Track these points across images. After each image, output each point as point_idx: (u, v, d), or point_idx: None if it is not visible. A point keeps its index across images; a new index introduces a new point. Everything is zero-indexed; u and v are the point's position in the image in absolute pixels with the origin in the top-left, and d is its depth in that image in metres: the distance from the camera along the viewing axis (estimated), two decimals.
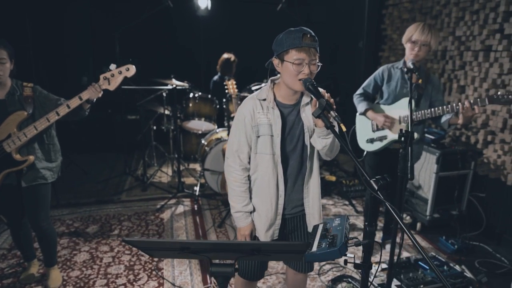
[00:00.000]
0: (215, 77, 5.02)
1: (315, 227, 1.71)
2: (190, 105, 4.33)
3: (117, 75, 2.44)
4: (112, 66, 2.45)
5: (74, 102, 2.40)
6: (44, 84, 2.50)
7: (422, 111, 2.68)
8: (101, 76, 2.43)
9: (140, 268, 2.98)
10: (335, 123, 1.59)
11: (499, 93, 2.37)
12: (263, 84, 4.37)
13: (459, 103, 2.46)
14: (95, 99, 2.46)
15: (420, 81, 2.48)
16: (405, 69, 2.54)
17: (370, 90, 2.99)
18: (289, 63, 1.69)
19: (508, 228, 3.24)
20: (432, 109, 2.62)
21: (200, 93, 4.38)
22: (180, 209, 4.05)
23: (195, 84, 4.88)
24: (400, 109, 2.83)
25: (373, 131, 2.97)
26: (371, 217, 1.71)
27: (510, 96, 2.33)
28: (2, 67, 2.33)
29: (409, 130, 2.13)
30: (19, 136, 2.39)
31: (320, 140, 1.78)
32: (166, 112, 4.58)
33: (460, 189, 3.43)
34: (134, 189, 4.57)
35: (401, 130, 2.18)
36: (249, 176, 1.93)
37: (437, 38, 2.67)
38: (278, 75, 1.90)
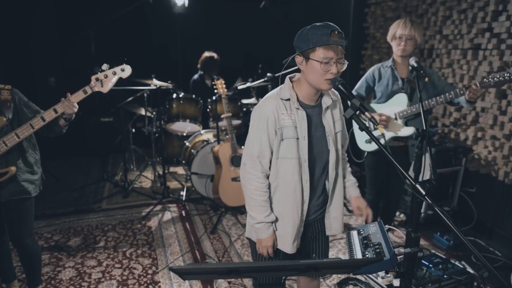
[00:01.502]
0: (195, 76, 4.83)
1: (349, 235, 1.62)
2: (174, 106, 4.11)
3: (110, 76, 2.23)
4: (105, 66, 2.23)
5: (49, 115, 2.16)
6: (10, 83, 2.24)
7: (426, 102, 2.65)
8: (93, 77, 2.21)
9: (134, 282, 2.77)
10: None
11: (490, 77, 2.38)
12: (248, 84, 4.25)
13: (463, 88, 2.49)
14: (73, 116, 2.23)
15: (426, 79, 2.46)
16: (410, 68, 2.52)
17: (363, 92, 2.96)
18: (316, 62, 1.58)
19: (499, 222, 3.33)
20: (435, 99, 2.60)
21: (183, 94, 4.18)
22: (167, 215, 3.84)
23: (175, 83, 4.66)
24: (394, 106, 2.82)
25: (361, 129, 2.93)
26: (415, 223, 1.61)
27: (501, 78, 2.33)
28: None
29: (426, 129, 2.10)
30: None
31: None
32: (148, 114, 4.34)
33: (453, 186, 3.48)
34: (115, 196, 4.29)
35: (417, 129, 2.14)
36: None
37: (420, 31, 2.72)
38: (294, 74, 1.80)
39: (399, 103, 2.79)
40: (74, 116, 2.25)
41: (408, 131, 2.78)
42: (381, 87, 2.86)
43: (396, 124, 2.81)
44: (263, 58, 5.70)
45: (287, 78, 1.77)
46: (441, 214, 1.32)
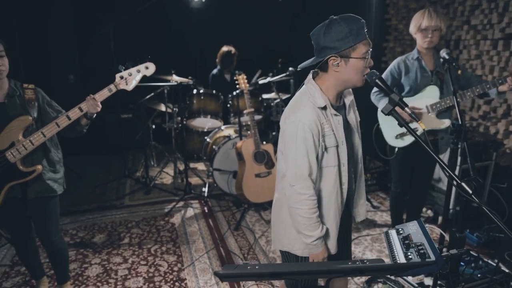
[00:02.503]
0: (214, 71, 4.79)
1: (387, 235, 1.56)
2: (195, 102, 4.09)
3: (135, 74, 2.21)
4: (129, 64, 2.22)
5: (75, 114, 2.16)
6: (30, 82, 2.25)
7: (462, 93, 2.56)
8: (117, 76, 2.19)
9: (160, 280, 2.77)
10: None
11: None
12: (269, 78, 4.19)
13: (501, 78, 2.41)
14: (94, 115, 2.22)
15: (459, 72, 2.37)
16: (441, 60, 2.43)
17: (389, 86, 2.87)
18: (360, 60, 1.50)
19: None
20: (462, 94, 2.53)
21: (204, 89, 4.15)
22: (190, 212, 3.83)
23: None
24: (426, 99, 2.74)
25: (401, 125, 2.85)
26: (455, 223, 1.55)
27: None
28: (2, 61, 2.05)
29: (461, 123, 2.03)
30: (25, 144, 2.12)
31: None
32: (168, 110, 4.33)
33: (483, 181, 3.37)
34: (137, 193, 4.31)
35: (453, 124, 2.06)
36: None
37: (445, 21, 2.64)
38: (320, 74, 1.62)
39: (431, 96, 2.71)
40: (95, 115, 2.25)
41: (444, 123, 2.70)
42: (409, 80, 2.78)
43: (429, 117, 2.73)
44: (281, 52, 5.63)
45: (311, 81, 1.63)
46: (490, 214, 1.26)
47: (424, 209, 3.64)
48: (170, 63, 4.49)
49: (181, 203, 3.99)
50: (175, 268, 2.90)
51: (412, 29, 2.70)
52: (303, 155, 1.53)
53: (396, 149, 2.90)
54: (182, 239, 3.33)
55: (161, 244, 3.24)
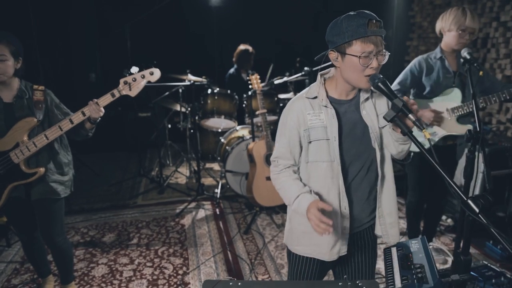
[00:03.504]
0: (231, 70, 4.73)
1: (387, 252, 1.44)
2: (209, 102, 4.04)
3: (139, 80, 2.15)
4: (134, 69, 2.17)
5: (77, 118, 2.14)
6: (51, 81, 2.24)
7: (486, 97, 2.38)
8: (121, 80, 2.15)
9: (164, 283, 2.73)
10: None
11: None
12: (285, 78, 4.09)
13: None
14: (98, 119, 2.19)
15: (481, 73, 2.18)
16: (461, 60, 2.25)
17: (408, 85, 2.69)
18: (354, 57, 1.41)
19: None
20: (487, 99, 2.35)
21: (218, 89, 4.09)
22: (201, 213, 3.79)
23: (211, 78, 4.59)
24: (447, 102, 2.55)
25: (420, 129, 2.68)
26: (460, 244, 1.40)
27: None
28: (2, 65, 2.05)
29: (479, 130, 1.85)
30: (28, 145, 2.13)
31: (397, 145, 1.50)
32: (183, 109, 4.30)
33: (509, 190, 3.14)
34: (150, 192, 4.32)
35: (469, 131, 1.89)
36: None
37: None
38: (329, 69, 1.62)
39: (452, 99, 2.52)
40: (99, 119, 2.22)
41: (464, 129, 2.52)
42: (430, 80, 2.60)
43: (449, 122, 2.55)
44: (301, 51, 5.49)
45: (318, 75, 1.61)
46: (498, 237, 1.12)
47: (444, 217, 3.43)
48: (189, 63, 4.48)
49: (193, 204, 3.96)
50: (180, 272, 2.86)
51: (447, 26, 2.46)
52: (277, 140, 1.63)
53: (412, 154, 2.73)
54: (191, 241, 3.28)
55: (168, 246, 3.21)
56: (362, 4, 5.38)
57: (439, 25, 2.55)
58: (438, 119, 2.54)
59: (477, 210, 1.14)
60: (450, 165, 2.76)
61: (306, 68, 3.54)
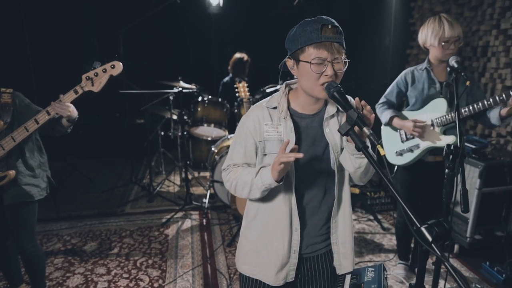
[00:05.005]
0: (226, 78, 4.65)
1: (340, 279, 1.31)
2: (199, 109, 3.97)
3: (101, 74, 2.10)
4: (96, 64, 2.12)
5: (42, 117, 2.10)
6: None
7: (470, 106, 2.24)
8: (83, 76, 2.10)
9: None
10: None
11: None
12: (278, 86, 3.98)
13: (503, 94, 2.04)
14: (74, 117, 2.14)
15: (468, 83, 2.04)
16: (448, 69, 2.11)
17: (394, 98, 2.56)
18: (307, 64, 1.31)
19: None
20: (470, 106, 2.20)
21: (210, 97, 4.02)
22: (187, 223, 3.69)
23: (206, 86, 4.52)
24: (431, 112, 2.41)
25: (402, 141, 2.54)
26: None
27: None
28: None
29: (460, 145, 1.71)
30: None
31: (353, 160, 1.36)
32: (173, 117, 4.24)
33: (507, 207, 2.95)
34: (140, 200, 4.25)
35: (448, 145, 1.75)
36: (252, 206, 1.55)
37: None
38: (295, 79, 1.52)
39: (437, 109, 2.38)
40: (77, 117, 2.17)
41: (448, 140, 2.37)
42: (415, 91, 2.46)
43: (433, 133, 2.40)
44: None
45: (284, 84, 1.51)
46: (453, 273, 0.98)
47: None
48: (188, 70, 4.43)
49: (180, 214, 3.86)
50: (156, 284, 2.76)
51: (428, 41, 2.34)
52: (239, 144, 1.47)
53: (395, 168, 2.59)
54: (172, 252, 3.18)
55: (148, 257, 3.12)
56: (361, 10, 5.26)
57: (420, 40, 2.44)
58: (419, 130, 2.39)
59: (430, 239, 1.01)
60: (440, 184, 2.56)
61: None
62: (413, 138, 2.47)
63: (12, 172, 2.17)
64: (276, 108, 1.44)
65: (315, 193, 1.50)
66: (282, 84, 1.54)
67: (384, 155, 1.15)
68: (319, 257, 1.58)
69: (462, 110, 2.24)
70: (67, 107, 2.09)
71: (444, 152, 1.74)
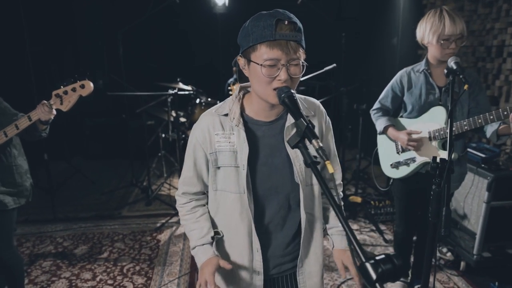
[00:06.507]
0: (231, 79, 4.53)
1: None
2: (196, 112, 3.87)
3: (70, 93, 2.00)
4: (67, 82, 2.02)
5: (23, 123, 2.02)
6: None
7: (458, 124, 2.03)
8: (53, 93, 2.01)
9: None
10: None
11: None
12: None
13: (507, 108, 1.80)
14: (50, 119, 2.06)
15: (466, 87, 1.82)
16: (445, 71, 1.90)
17: (389, 103, 2.34)
18: (258, 66, 1.16)
19: None
20: (471, 119, 1.97)
21: (209, 99, 3.91)
22: (181, 229, 3.59)
23: (212, 88, 4.42)
24: (429, 122, 2.18)
25: (398, 153, 2.32)
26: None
27: None
28: None
29: (448, 158, 1.51)
30: None
31: None
32: (172, 119, 4.16)
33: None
34: (138, 203, 4.19)
35: (434, 158, 1.56)
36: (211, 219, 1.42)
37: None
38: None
39: (435, 119, 2.16)
40: (51, 119, 2.10)
41: (446, 155, 2.14)
42: (411, 98, 2.23)
43: (431, 147, 2.18)
44: (315, 61, 5.20)
45: (239, 87, 1.37)
46: None
47: (444, 250, 3.01)
48: (191, 72, 4.33)
49: (176, 218, 3.77)
50: None
51: (426, 38, 2.07)
52: (189, 156, 1.37)
53: (391, 181, 2.38)
54: (160, 259, 3.09)
55: (136, 263, 3.04)
56: (373, 9, 5.01)
57: (418, 36, 2.15)
58: (414, 143, 2.18)
59: (374, 277, 0.84)
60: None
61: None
62: (409, 150, 2.26)
63: None
64: (227, 115, 1.30)
65: (277, 210, 1.36)
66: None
67: (332, 173, 1.00)
68: (287, 277, 1.45)
69: (463, 123, 2.01)
70: (52, 112, 2.02)
71: (430, 166, 1.55)
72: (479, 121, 1.92)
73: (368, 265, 0.86)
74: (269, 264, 1.40)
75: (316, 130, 1.36)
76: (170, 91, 3.56)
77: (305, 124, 1.06)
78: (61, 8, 5.15)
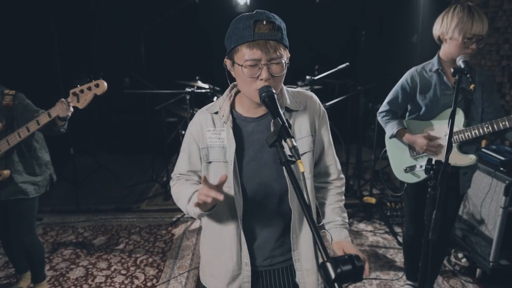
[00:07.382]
0: None
1: None
2: None
3: (86, 92, 2.11)
4: (84, 81, 2.14)
5: (43, 119, 2.15)
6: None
7: (478, 128, 1.96)
8: (71, 92, 2.12)
9: None
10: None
11: None
12: (299, 84, 3.83)
13: None
14: (68, 116, 2.17)
15: (472, 86, 1.76)
16: (452, 70, 1.84)
17: (399, 105, 2.27)
18: (240, 66, 1.19)
19: None
20: (495, 124, 1.89)
21: None
22: (196, 224, 3.68)
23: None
24: (445, 125, 2.11)
25: (413, 157, 2.26)
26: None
27: None
28: None
29: (445, 160, 1.48)
30: None
31: None
32: (190, 116, 4.25)
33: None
34: (157, 197, 4.32)
35: (429, 160, 1.52)
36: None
37: None
38: None
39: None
40: (69, 116, 2.21)
41: (467, 160, 2.08)
42: (425, 99, 2.15)
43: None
44: (336, 60, 5.14)
45: (230, 86, 1.42)
46: None
47: (460, 255, 2.91)
48: (212, 70, 4.38)
49: None
50: (149, 284, 2.77)
51: (450, 33, 1.98)
52: (184, 150, 1.42)
53: (405, 185, 2.32)
54: (173, 252, 3.18)
55: (150, 255, 3.14)
56: (396, 6, 4.89)
57: (438, 29, 2.07)
58: (433, 147, 2.12)
59: (332, 277, 0.86)
60: (451, 199, 2.26)
61: (308, 77, 3.26)
62: (424, 153, 2.20)
63: (6, 172, 2.28)
64: (217, 113, 1.35)
65: (267, 204, 1.38)
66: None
67: (303, 172, 1.01)
68: (279, 271, 1.47)
69: (484, 127, 1.95)
70: (69, 109, 2.14)
71: (424, 168, 1.52)
72: (503, 123, 1.85)
73: (328, 265, 0.87)
74: (259, 256, 1.42)
75: (307, 124, 1.36)
76: (187, 89, 3.64)
77: (281, 123, 1.08)
78: (87, 9, 5.37)
